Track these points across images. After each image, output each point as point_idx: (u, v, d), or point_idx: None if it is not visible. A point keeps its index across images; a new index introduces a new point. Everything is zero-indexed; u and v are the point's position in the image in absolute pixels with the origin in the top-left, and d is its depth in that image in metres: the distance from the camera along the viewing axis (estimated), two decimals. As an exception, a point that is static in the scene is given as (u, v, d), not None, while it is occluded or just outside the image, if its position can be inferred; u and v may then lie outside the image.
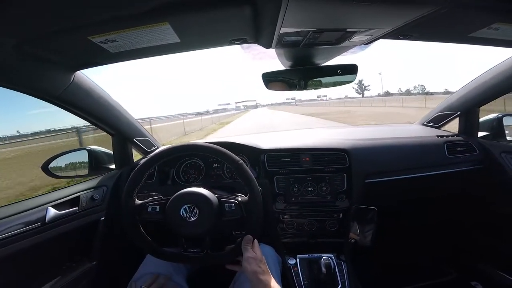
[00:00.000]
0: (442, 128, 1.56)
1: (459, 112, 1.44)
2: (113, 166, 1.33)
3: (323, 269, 1.11)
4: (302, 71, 1.00)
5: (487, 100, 1.31)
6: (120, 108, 1.21)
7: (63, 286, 0.91)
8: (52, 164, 1.18)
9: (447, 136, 1.40)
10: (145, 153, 1.42)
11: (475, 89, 1.33)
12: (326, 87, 1.00)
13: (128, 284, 0.89)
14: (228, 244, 0.84)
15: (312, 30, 0.71)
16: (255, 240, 0.80)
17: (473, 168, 1.32)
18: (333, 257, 1.21)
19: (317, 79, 0.99)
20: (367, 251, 1.23)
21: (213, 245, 0.83)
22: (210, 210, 0.80)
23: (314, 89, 1.01)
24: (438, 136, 1.39)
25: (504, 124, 1.36)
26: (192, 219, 0.79)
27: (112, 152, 1.34)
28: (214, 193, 0.84)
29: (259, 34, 0.80)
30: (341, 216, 1.23)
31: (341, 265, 1.20)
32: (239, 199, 0.83)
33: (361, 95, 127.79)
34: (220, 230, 0.86)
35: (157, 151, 0.86)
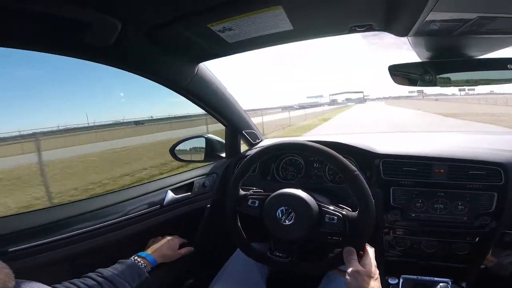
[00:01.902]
0: None
1: None
2: (223, 155, 1.43)
3: None
4: (448, 64, 0.77)
5: None
6: (233, 101, 1.27)
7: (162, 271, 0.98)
8: (177, 148, 1.35)
9: None
10: (251, 145, 1.47)
11: None
12: (484, 84, 0.75)
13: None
14: (319, 251, 0.78)
15: (478, 16, 0.52)
16: (370, 251, 0.71)
17: None
18: (449, 283, 0.99)
19: (472, 73, 0.74)
20: (499, 280, 0.97)
21: (302, 252, 0.78)
22: (308, 218, 0.75)
23: (466, 85, 0.77)
24: None
25: None
26: (287, 222, 0.75)
27: (224, 141, 1.44)
28: (315, 198, 0.78)
29: (392, 20, 0.66)
30: (477, 239, 0.98)
31: None
32: (344, 212, 0.75)
33: None
34: (312, 240, 0.80)
35: (266, 145, 0.85)
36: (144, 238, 0.98)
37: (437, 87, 0.82)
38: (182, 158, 1.36)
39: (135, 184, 1.11)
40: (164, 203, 1.06)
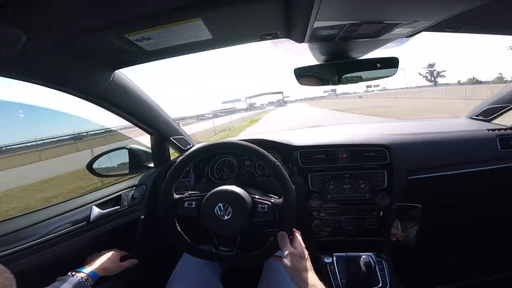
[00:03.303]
0: (493, 122, 1.44)
1: None
2: (151, 165, 1.38)
3: (363, 268, 1.08)
4: (338, 65, 0.96)
5: None
6: (157, 107, 1.24)
7: (106, 285, 0.94)
8: (96, 164, 1.24)
9: (499, 129, 1.28)
10: (181, 151, 1.46)
11: None
12: (363, 81, 0.95)
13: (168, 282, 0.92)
14: (259, 243, 0.83)
15: (349, 23, 0.67)
16: (297, 234, 0.79)
17: None
18: (373, 256, 1.17)
19: (354, 73, 0.94)
20: (410, 249, 1.16)
21: (244, 245, 0.83)
22: (244, 210, 0.79)
23: (351, 83, 0.96)
24: (489, 130, 1.28)
25: None
26: (226, 217, 0.79)
27: (150, 151, 1.39)
28: (248, 192, 0.84)
29: (291, 29, 0.77)
30: (381, 214, 1.19)
31: (382, 264, 1.17)
32: (272, 200, 0.82)
33: (432, 83, 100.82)
34: (250, 230, 0.85)
35: (195, 148, 0.88)
36: (76, 256, 0.92)
37: (336, 85, 1.00)
38: (102, 173, 1.26)
39: (56, 202, 1.02)
40: (91, 220, 1.01)
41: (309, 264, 0.71)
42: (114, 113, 1.10)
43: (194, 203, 0.84)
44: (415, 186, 1.17)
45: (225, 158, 1.35)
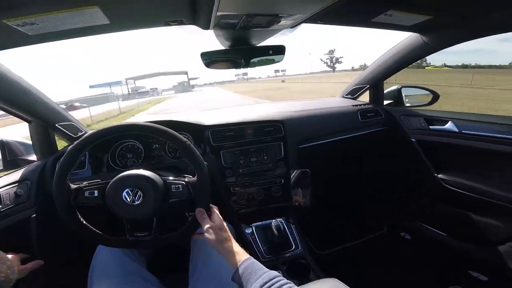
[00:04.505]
0: (358, 99, 1.85)
1: (368, 85, 1.74)
2: (33, 158, 1.18)
3: (276, 233, 1.19)
4: (239, 51, 1.05)
5: (389, 74, 1.61)
6: (37, 92, 1.06)
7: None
8: None
9: (360, 105, 1.68)
10: (72, 140, 1.29)
11: (379, 66, 1.60)
12: (260, 65, 1.08)
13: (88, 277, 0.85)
14: (177, 223, 0.82)
15: (245, 14, 0.76)
16: (214, 209, 0.80)
17: (381, 129, 1.62)
18: (282, 221, 1.30)
19: (252, 58, 1.05)
20: (310, 212, 1.38)
21: (164, 227, 0.81)
22: (155, 193, 0.77)
23: (250, 67, 1.07)
24: (353, 106, 1.65)
25: (403, 94, 1.71)
26: (136, 202, 0.75)
27: (29, 142, 1.19)
28: (158, 174, 0.81)
29: (196, 16, 0.80)
30: (282, 181, 1.36)
31: (291, 227, 1.30)
32: (186, 180, 0.81)
33: (332, 69, 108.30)
34: (166, 212, 0.83)
35: (90, 132, 0.77)
36: None
37: (238, 69, 1.09)
38: None
39: None
40: None
41: (229, 234, 0.75)
42: None
43: (96, 191, 0.77)
44: (304, 153, 1.41)
45: (128, 143, 1.25)
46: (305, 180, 1.44)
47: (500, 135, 1.17)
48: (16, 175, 1.08)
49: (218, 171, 1.27)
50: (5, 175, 1.08)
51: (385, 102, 1.74)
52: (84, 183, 0.79)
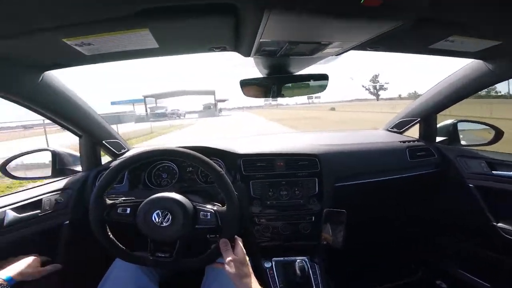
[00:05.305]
0: (404, 134, 1.68)
1: (419, 119, 1.56)
2: (79, 168, 1.27)
3: (298, 272, 1.14)
4: (278, 78, 1.04)
5: (444, 107, 1.43)
6: (89, 110, 1.16)
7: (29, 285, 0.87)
8: (11, 164, 1.12)
9: (408, 141, 1.51)
10: (115, 156, 1.38)
11: (433, 97, 1.44)
12: (300, 95, 1.05)
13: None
14: (201, 248, 0.83)
15: (288, 41, 0.75)
16: (239, 241, 0.80)
17: (432, 171, 1.43)
18: (306, 260, 1.24)
19: (291, 87, 1.04)
20: (339, 252, 1.26)
21: (185, 250, 0.82)
22: (184, 217, 0.78)
23: (289, 96, 1.05)
24: (400, 142, 1.50)
25: (459, 129, 1.50)
26: (165, 224, 0.77)
27: (78, 154, 1.29)
28: (189, 199, 0.83)
29: (239, 43, 0.81)
30: (313, 219, 1.28)
31: (315, 268, 1.23)
32: (215, 208, 0.82)
33: (375, 97, 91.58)
34: (191, 236, 0.84)
35: (136, 152, 0.83)
36: None
37: (276, 97, 1.07)
38: (18, 175, 1.13)
39: None
40: (5, 224, 0.94)
41: (250, 269, 0.74)
42: (40, 114, 1.01)
43: (129, 209, 0.81)
44: (341, 192, 1.30)
45: (164, 164, 1.31)
46: (339, 219, 1.32)
47: None
48: (61, 183, 1.16)
49: (245, 200, 1.24)
50: (51, 182, 1.17)
51: (438, 139, 1.55)
52: (119, 199, 0.84)
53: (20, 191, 1.07)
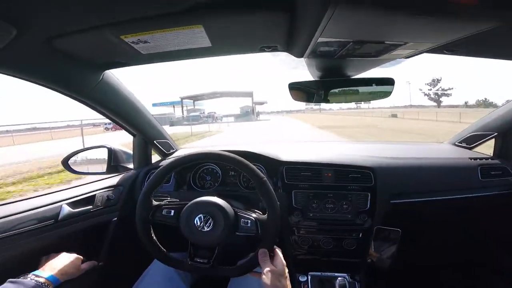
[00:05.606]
0: (474, 150, 1.46)
1: (495, 133, 1.34)
2: (131, 166, 1.33)
3: None
4: (333, 82, 0.95)
5: None
6: (143, 109, 1.21)
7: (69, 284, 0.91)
8: (72, 160, 1.20)
9: (480, 158, 1.31)
10: (164, 155, 1.44)
11: None
12: (356, 100, 0.95)
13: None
14: (236, 255, 0.82)
15: (352, 41, 0.67)
16: (278, 252, 0.77)
17: (507, 192, 1.23)
18: (347, 277, 1.15)
19: (346, 92, 0.94)
20: (384, 272, 1.16)
21: (222, 256, 0.81)
22: (225, 223, 0.78)
23: (345, 102, 0.95)
24: (471, 159, 1.30)
25: None
26: (206, 229, 0.77)
27: (131, 152, 1.35)
28: (231, 204, 0.82)
29: (291, 43, 0.77)
30: (360, 235, 1.16)
31: (355, 286, 1.15)
32: (256, 216, 0.81)
33: (435, 104, 72.58)
34: (231, 243, 0.83)
35: (184, 155, 0.85)
36: (37, 255, 0.88)
37: (328, 103, 0.99)
38: (78, 170, 1.21)
39: (24, 198, 1.00)
40: (59, 218, 0.98)
41: (287, 283, 0.70)
42: (99, 113, 1.07)
43: (173, 211, 0.82)
44: (396, 210, 1.17)
45: (209, 166, 1.32)
46: (391, 238, 1.18)
47: None
48: (114, 180, 1.22)
49: (285, 210, 1.16)
50: (105, 178, 1.23)
51: None
52: (164, 201, 0.86)
53: (75, 186, 1.14)
